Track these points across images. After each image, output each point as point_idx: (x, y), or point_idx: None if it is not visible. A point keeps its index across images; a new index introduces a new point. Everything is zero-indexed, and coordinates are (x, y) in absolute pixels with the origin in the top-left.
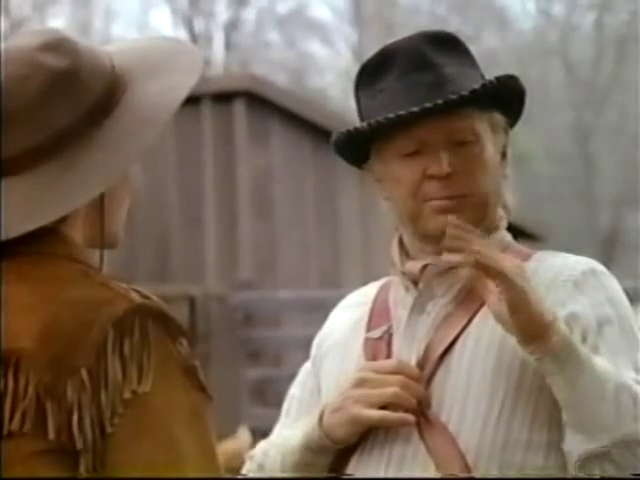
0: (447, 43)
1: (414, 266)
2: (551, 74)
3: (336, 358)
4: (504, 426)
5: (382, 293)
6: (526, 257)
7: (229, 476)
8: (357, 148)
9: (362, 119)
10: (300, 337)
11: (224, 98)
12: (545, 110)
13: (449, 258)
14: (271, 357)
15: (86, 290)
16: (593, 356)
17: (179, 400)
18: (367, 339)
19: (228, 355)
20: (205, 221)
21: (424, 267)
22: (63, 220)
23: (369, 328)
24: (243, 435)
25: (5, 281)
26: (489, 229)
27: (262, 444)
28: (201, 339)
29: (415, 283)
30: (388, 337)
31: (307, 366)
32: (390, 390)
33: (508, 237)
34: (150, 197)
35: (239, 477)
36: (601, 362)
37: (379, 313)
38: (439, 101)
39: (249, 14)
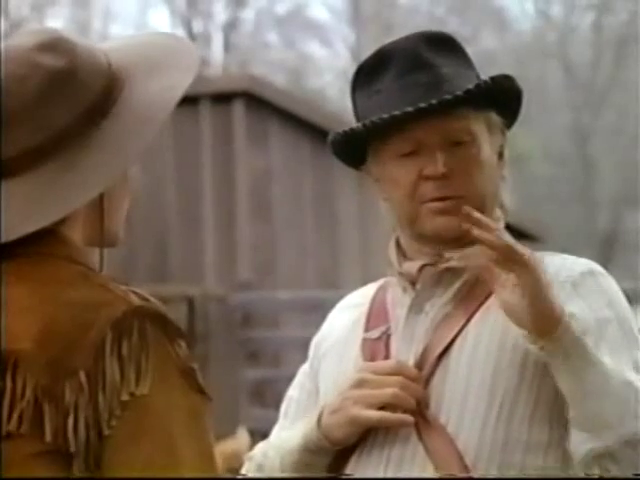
0: (443, 43)
1: (412, 267)
2: (550, 75)
3: (334, 359)
4: (503, 426)
5: (380, 294)
6: None
7: (228, 476)
8: (354, 149)
9: (358, 120)
10: (299, 338)
11: (223, 98)
12: (544, 111)
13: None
14: (270, 358)
15: (85, 292)
16: (600, 353)
17: (177, 402)
18: (365, 340)
19: (227, 356)
20: (204, 221)
21: (422, 268)
22: (62, 221)
23: (367, 329)
24: (242, 436)
25: (5, 282)
26: None
27: (261, 445)
28: (200, 340)
29: (413, 284)
30: (386, 338)
31: (305, 367)
32: (389, 391)
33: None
34: (149, 197)
35: (238, 477)
36: (607, 360)
37: (377, 314)
38: (434, 101)
39: (248, 15)
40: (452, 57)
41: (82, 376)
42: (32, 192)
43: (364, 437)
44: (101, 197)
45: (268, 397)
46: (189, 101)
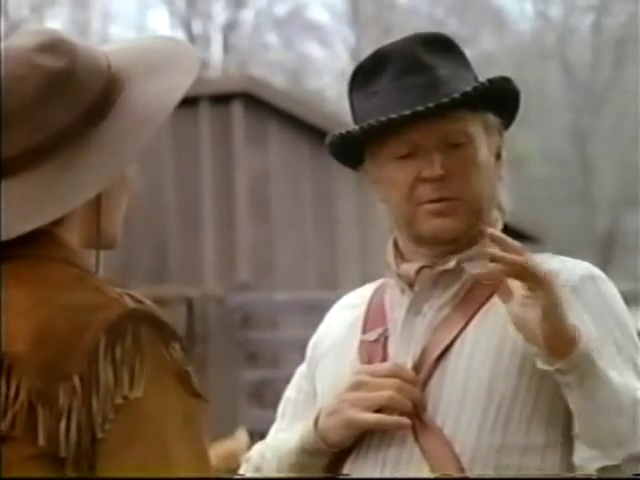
0: (441, 45)
1: (409, 268)
2: (549, 76)
3: (331, 360)
4: (500, 429)
5: (378, 295)
6: None
7: (227, 476)
8: (352, 150)
9: (356, 121)
10: (298, 339)
11: (222, 99)
12: (543, 112)
13: (481, 274)
14: (269, 359)
15: (80, 294)
16: (609, 370)
17: (172, 405)
18: (363, 342)
19: (226, 356)
20: (203, 222)
21: (420, 269)
22: (59, 222)
23: (365, 330)
24: (241, 436)
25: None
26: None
27: (258, 446)
28: (199, 340)
29: (411, 285)
30: (384, 340)
31: (302, 368)
32: (386, 393)
33: None
34: (148, 198)
35: (237, 477)
36: (615, 375)
37: (375, 315)
38: (431, 104)
39: (247, 16)
40: (449, 58)
41: (76, 380)
42: (30, 192)
43: (361, 439)
44: (98, 198)
45: (267, 398)
46: (188, 102)
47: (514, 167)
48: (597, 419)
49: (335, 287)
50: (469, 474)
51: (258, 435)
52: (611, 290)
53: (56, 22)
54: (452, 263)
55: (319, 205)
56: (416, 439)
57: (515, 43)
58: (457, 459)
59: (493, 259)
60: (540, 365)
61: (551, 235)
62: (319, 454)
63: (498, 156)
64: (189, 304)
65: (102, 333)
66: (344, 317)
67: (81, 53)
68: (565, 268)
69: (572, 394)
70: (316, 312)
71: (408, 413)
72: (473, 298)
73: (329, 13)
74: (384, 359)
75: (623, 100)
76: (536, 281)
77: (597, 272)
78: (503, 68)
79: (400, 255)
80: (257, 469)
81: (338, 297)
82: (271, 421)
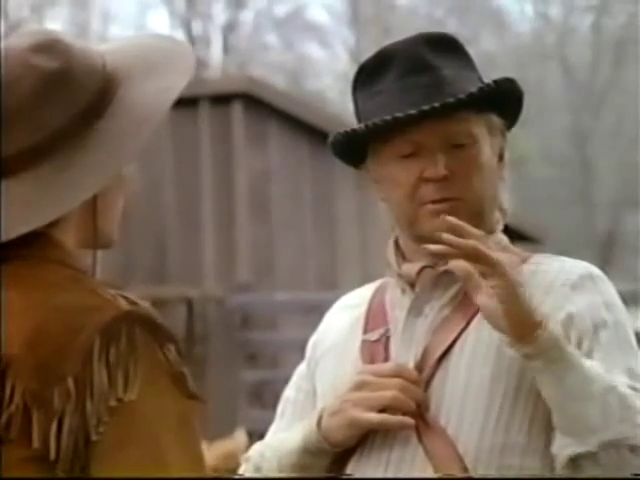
0: (445, 45)
1: (411, 268)
2: (549, 76)
3: (332, 360)
4: (502, 429)
5: (378, 295)
6: (523, 260)
7: (227, 476)
8: (354, 149)
9: (359, 120)
10: (298, 339)
11: (222, 100)
12: (543, 113)
13: (438, 249)
14: (268, 359)
15: (75, 296)
16: (583, 358)
17: (166, 407)
18: (364, 342)
19: (226, 357)
20: (203, 223)
21: (421, 270)
22: (55, 223)
23: (366, 330)
24: (240, 437)
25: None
26: (485, 232)
27: (257, 446)
28: (199, 341)
29: (412, 285)
30: (385, 340)
31: (302, 368)
32: (389, 393)
33: (505, 240)
34: (147, 199)
35: (237, 477)
36: (590, 364)
37: (375, 315)
38: (436, 104)
39: (247, 16)
40: (454, 59)
41: (70, 382)
42: (28, 193)
43: (364, 439)
44: (94, 198)
45: (267, 398)
46: (188, 102)
47: (514, 167)
48: (566, 405)
49: (335, 287)
50: (472, 474)
51: (258, 435)
52: (609, 289)
53: (56, 22)
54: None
55: (319, 205)
56: (419, 439)
57: (515, 44)
58: (460, 459)
59: (446, 243)
60: (509, 351)
61: (551, 235)
62: (322, 454)
63: (500, 157)
64: (189, 304)
65: (96, 335)
66: (344, 317)
67: (77, 53)
68: (564, 267)
69: (541, 379)
70: (316, 312)
71: (411, 413)
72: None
73: (329, 14)
74: (386, 359)
75: (623, 100)
76: (489, 265)
77: (596, 271)
78: (503, 69)
79: (401, 255)
80: (257, 469)
81: (338, 297)
82: (271, 421)
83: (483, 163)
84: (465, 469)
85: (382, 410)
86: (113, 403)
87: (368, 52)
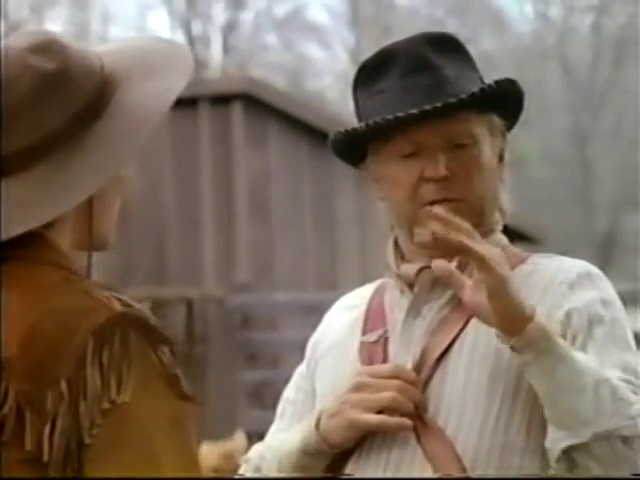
0: (447, 45)
1: (409, 269)
2: (549, 77)
3: (331, 361)
4: (502, 430)
5: (377, 296)
6: (522, 260)
7: (227, 476)
8: (354, 148)
9: (360, 119)
10: (297, 339)
11: (222, 100)
12: (543, 113)
13: (425, 240)
14: (268, 359)
15: (68, 298)
16: (574, 351)
17: (160, 409)
18: (363, 343)
19: (225, 357)
20: (202, 223)
21: (420, 270)
22: (50, 225)
23: (365, 331)
24: (239, 438)
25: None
26: (485, 232)
27: (257, 447)
28: (198, 341)
29: (410, 286)
30: (384, 341)
31: (301, 368)
32: (387, 395)
33: (504, 240)
34: (147, 199)
35: (237, 477)
36: (582, 357)
37: (374, 316)
38: (438, 104)
39: (246, 16)
40: (455, 58)
41: (63, 384)
42: (25, 193)
43: (362, 441)
44: (90, 199)
45: (267, 399)
46: (188, 103)
47: (514, 168)
48: (558, 398)
49: (335, 288)
50: (471, 474)
51: (258, 436)
52: (607, 287)
53: (56, 23)
54: (453, 264)
55: (319, 206)
56: (418, 440)
57: (515, 44)
58: (459, 460)
59: (434, 235)
60: (500, 343)
61: (551, 236)
62: (320, 455)
63: (501, 158)
64: (189, 305)
65: (90, 337)
66: (343, 318)
67: (74, 54)
68: (562, 266)
69: (532, 373)
70: (316, 313)
71: (410, 414)
72: None
73: (329, 14)
74: (384, 360)
75: (623, 101)
76: (476, 260)
77: (594, 270)
78: (503, 69)
79: (400, 255)
80: (257, 469)
81: (338, 298)
82: (271, 422)
83: (484, 164)
84: (464, 469)
85: (380, 411)
86: (106, 405)
87: (368, 52)
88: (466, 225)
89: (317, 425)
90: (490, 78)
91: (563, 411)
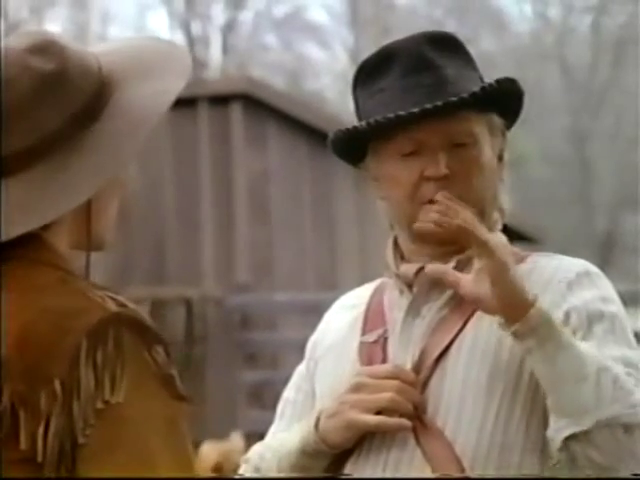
0: (447, 44)
1: (409, 269)
2: (548, 77)
3: (331, 362)
4: (500, 429)
5: (376, 295)
6: (521, 259)
7: (227, 476)
8: (354, 147)
9: (360, 118)
10: (297, 339)
11: (221, 101)
12: (542, 113)
13: (426, 227)
14: (268, 360)
15: (63, 299)
16: (575, 339)
17: (154, 410)
18: (362, 343)
19: (225, 358)
20: (202, 223)
21: (419, 270)
22: (48, 225)
23: (364, 331)
24: (235, 439)
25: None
26: None
27: (257, 447)
28: (198, 341)
29: (409, 286)
30: (383, 341)
31: (301, 368)
32: (386, 395)
33: (503, 239)
34: (146, 199)
35: (236, 477)
36: (584, 345)
37: (374, 316)
38: (439, 103)
39: (246, 17)
40: (455, 58)
41: (57, 384)
42: (24, 194)
43: (361, 441)
44: (89, 201)
45: (266, 399)
46: (187, 103)
47: (513, 168)
48: (561, 385)
49: (334, 288)
50: (470, 475)
51: (257, 436)
52: (606, 285)
53: (55, 23)
54: (452, 264)
55: (318, 206)
56: (417, 441)
57: (514, 44)
58: (458, 460)
59: (436, 222)
60: (501, 330)
61: (550, 236)
62: (319, 456)
63: (500, 157)
64: (188, 305)
65: (83, 337)
66: (343, 318)
67: (72, 55)
68: (561, 265)
69: (534, 360)
70: (315, 313)
71: (409, 415)
72: None
73: (328, 14)
74: (384, 361)
75: (622, 101)
76: (477, 245)
77: (593, 269)
78: (502, 69)
79: (400, 254)
80: (256, 470)
81: (337, 298)
82: (270, 422)
83: (484, 163)
84: (463, 470)
85: (379, 412)
86: (100, 405)
87: (367, 52)
88: (468, 213)
89: (316, 425)
90: (490, 78)
91: (565, 398)
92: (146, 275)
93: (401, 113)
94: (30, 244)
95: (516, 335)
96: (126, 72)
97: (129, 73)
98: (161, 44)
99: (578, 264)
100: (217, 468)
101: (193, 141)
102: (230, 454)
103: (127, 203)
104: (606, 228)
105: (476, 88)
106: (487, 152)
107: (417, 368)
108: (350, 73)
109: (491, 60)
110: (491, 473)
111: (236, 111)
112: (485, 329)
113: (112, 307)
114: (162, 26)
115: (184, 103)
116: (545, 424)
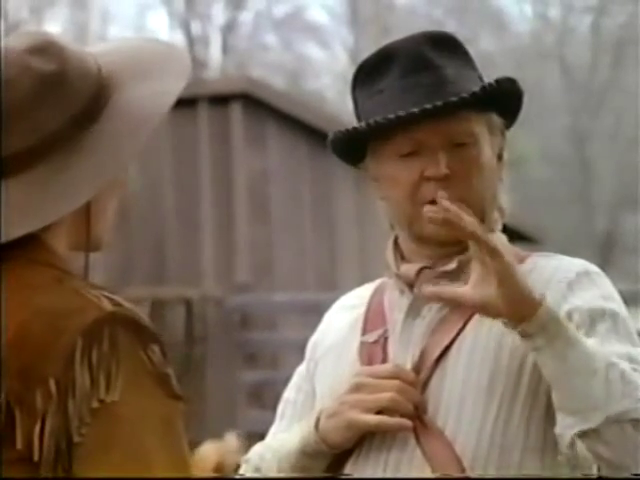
0: (446, 44)
1: (409, 269)
2: (548, 77)
3: (331, 362)
4: (501, 429)
5: (377, 295)
6: (521, 259)
7: (227, 477)
8: (354, 147)
9: (359, 118)
10: (297, 340)
11: (221, 101)
12: (542, 113)
13: (436, 216)
14: (268, 360)
15: (58, 297)
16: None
17: (149, 409)
18: (363, 343)
19: (225, 358)
20: (202, 224)
21: (419, 270)
22: (46, 226)
23: (364, 332)
24: (230, 440)
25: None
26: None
27: (257, 447)
28: (198, 341)
29: (410, 286)
30: (383, 341)
31: (301, 369)
32: (386, 395)
33: (503, 239)
34: (146, 199)
35: (237, 477)
36: (590, 341)
37: (374, 316)
38: (439, 103)
39: (246, 17)
40: (455, 58)
41: (52, 384)
42: (24, 195)
43: (361, 441)
44: (88, 202)
45: (266, 399)
46: (187, 103)
47: (513, 168)
48: (570, 382)
49: (334, 288)
50: (470, 475)
51: (257, 436)
52: (607, 283)
53: (55, 23)
54: (453, 264)
55: (318, 206)
56: (417, 441)
57: (514, 44)
58: (458, 460)
59: (447, 223)
60: (508, 329)
61: (550, 236)
62: (319, 456)
63: (500, 157)
64: (188, 305)
65: (79, 337)
66: (343, 318)
67: (71, 56)
68: (561, 265)
69: (543, 358)
70: (315, 313)
71: (409, 415)
72: None
73: (328, 14)
74: (384, 361)
75: (622, 101)
76: (486, 249)
77: (593, 268)
78: (502, 69)
79: (400, 255)
80: (257, 470)
81: (337, 298)
82: (270, 422)
83: (484, 163)
84: (463, 470)
85: (379, 412)
86: (95, 404)
87: (367, 52)
88: (471, 219)
89: (316, 425)
90: (489, 78)
91: (575, 395)
92: (146, 275)
93: (401, 113)
94: (28, 245)
95: (524, 334)
96: (125, 73)
97: (128, 74)
98: (160, 45)
99: (578, 264)
100: (217, 468)
101: (193, 141)
102: (226, 454)
103: (127, 203)
104: (606, 228)
105: (476, 88)
106: (487, 152)
107: (417, 368)
108: (350, 73)
109: (491, 60)
110: (491, 473)
111: (236, 111)
112: (485, 330)
113: (108, 306)
114: (162, 26)
115: (184, 103)
116: (545, 424)
